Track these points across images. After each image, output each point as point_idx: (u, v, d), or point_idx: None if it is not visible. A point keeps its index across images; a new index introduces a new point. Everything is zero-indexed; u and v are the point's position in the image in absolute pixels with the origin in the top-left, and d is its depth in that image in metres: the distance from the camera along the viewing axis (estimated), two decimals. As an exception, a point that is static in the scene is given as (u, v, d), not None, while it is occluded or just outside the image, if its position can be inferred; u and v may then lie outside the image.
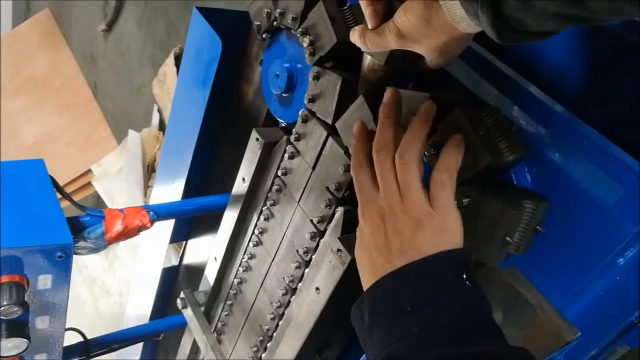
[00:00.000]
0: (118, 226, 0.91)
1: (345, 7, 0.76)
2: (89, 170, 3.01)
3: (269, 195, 0.90)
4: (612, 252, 0.59)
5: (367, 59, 0.67)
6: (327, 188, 0.76)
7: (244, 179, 0.93)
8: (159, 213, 0.94)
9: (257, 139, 0.88)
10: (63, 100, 3.36)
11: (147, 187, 2.77)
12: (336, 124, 0.73)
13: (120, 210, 0.93)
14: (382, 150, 0.58)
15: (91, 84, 3.35)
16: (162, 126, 2.81)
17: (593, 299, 0.63)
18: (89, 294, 3.29)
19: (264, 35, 0.88)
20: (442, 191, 0.56)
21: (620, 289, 0.62)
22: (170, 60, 2.57)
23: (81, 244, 0.86)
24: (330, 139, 0.75)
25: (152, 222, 0.92)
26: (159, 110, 2.77)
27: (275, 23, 0.83)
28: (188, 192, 1.21)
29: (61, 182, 0.89)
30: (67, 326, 0.94)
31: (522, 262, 0.67)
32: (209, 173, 1.23)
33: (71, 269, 0.81)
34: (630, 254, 0.60)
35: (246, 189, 0.93)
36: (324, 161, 0.76)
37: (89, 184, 3.02)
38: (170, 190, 1.26)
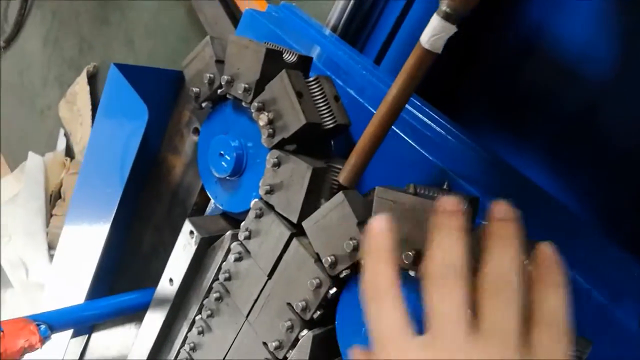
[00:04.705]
0: (-7, 349, 0.67)
1: (312, 80, 0.62)
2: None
3: (204, 303, 0.71)
4: None
5: None
6: (289, 305, 0.59)
7: (171, 279, 0.74)
8: (55, 324, 0.71)
9: (192, 232, 0.70)
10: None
11: (50, 216, 2.54)
12: (304, 224, 0.57)
13: (-1, 325, 0.69)
14: (449, 272, 0.37)
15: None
16: (69, 151, 2.57)
17: None
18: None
19: (203, 105, 0.71)
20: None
21: None
22: (82, 79, 2.36)
23: None
24: (294, 242, 0.59)
25: (44, 339, 0.69)
26: (66, 134, 2.53)
27: (219, 91, 0.68)
28: (95, 285, 0.97)
29: None
30: None
31: None
32: (122, 260, 1.01)
33: None
34: None
35: (175, 293, 0.73)
36: (285, 269, 0.60)
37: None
38: (71, 282, 1.01)
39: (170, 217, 0.92)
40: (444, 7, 0.45)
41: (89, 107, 2.61)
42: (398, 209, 0.48)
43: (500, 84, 0.86)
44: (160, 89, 0.84)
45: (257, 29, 0.83)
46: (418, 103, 0.70)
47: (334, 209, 0.54)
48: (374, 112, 0.67)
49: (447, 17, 0.45)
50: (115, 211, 0.83)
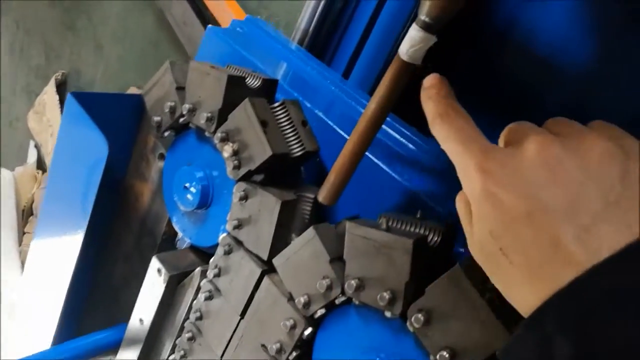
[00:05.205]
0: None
1: (277, 105, 0.59)
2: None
3: (177, 342, 0.68)
4: None
5: None
6: (264, 346, 0.56)
7: (141, 320, 0.70)
8: (19, 376, 0.67)
9: (159, 270, 0.66)
10: None
11: (22, 234, 2.47)
12: (274, 261, 0.54)
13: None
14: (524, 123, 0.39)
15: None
16: (40, 164, 2.49)
17: None
18: None
19: (165, 134, 0.68)
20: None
21: None
22: (50, 88, 2.29)
23: None
24: (266, 280, 0.56)
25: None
26: (37, 146, 2.46)
27: (181, 120, 0.64)
28: (65, 315, 0.93)
29: None
30: None
31: None
32: (91, 289, 0.96)
33: None
34: None
35: (145, 334, 0.69)
36: (257, 309, 0.57)
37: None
38: (40, 310, 0.97)
39: (139, 246, 0.88)
40: (422, 16, 0.42)
41: (59, 117, 2.52)
42: (370, 245, 0.46)
43: (482, 84, 0.84)
44: (122, 116, 0.80)
45: (220, 48, 0.80)
46: (388, 119, 0.67)
47: (305, 245, 0.51)
48: (341, 132, 0.65)
49: (426, 27, 0.43)
50: (82, 243, 0.78)
